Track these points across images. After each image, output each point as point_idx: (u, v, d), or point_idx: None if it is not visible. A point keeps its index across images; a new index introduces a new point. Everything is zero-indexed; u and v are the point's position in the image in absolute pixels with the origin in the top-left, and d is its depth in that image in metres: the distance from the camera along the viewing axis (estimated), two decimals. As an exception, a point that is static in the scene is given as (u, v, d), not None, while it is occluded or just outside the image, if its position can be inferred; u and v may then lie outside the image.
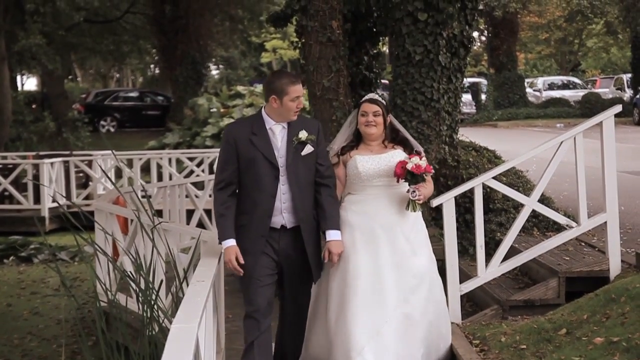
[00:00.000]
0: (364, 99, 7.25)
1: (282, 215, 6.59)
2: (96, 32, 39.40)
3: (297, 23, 12.45)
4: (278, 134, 6.60)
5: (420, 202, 6.91)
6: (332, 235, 6.76)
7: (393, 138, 7.21)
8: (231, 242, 6.51)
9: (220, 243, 6.59)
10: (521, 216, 9.15)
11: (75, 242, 8.03)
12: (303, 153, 6.58)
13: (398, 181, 6.88)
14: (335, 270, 6.90)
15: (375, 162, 7.01)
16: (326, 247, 6.76)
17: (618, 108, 9.09)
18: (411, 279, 6.89)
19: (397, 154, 7.04)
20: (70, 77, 55.23)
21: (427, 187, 7.00)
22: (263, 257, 6.62)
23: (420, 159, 6.84)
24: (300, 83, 6.60)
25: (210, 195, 16.12)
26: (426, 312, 6.97)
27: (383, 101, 7.09)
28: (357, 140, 7.21)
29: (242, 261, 6.48)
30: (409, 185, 6.84)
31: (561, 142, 8.97)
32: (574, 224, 9.22)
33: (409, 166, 6.77)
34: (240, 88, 29.77)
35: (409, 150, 7.14)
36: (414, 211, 6.91)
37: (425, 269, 7.01)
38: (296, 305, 6.97)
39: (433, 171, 7.03)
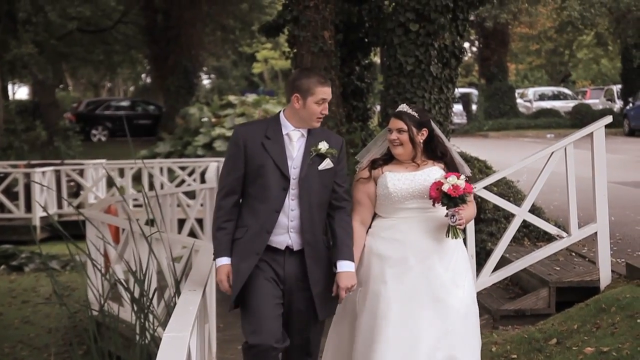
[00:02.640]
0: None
1: (289, 234, 5.69)
2: (88, 42, 39.42)
3: (289, 33, 12.49)
4: (295, 141, 5.74)
5: (462, 227, 5.85)
6: (343, 266, 5.77)
7: (437, 156, 6.11)
8: (225, 261, 5.71)
9: (214, 259, 5.84)
10: (512, 226, 9.18)
11: (66, 251, 8.03)
12: (320, 167, 5.70)
13: (434, 204, 5.84)
14: (364, 307, 5.90)
15: (408, 180, 5.96)
16: (335, 279, 5.79)
17: (608, 119, 9.13)
18: (452, 313, 5.79)
19: (434, 172, 5.99)
20: (61, 86, 55.18)
21: (468, 209, 5.95)
22: (266, 283, 5.69)
23: (458, 177, 5.78)
24: (328, 86, 5.75)
25: (201, 205, 16.19)
26: (465, 350, 5.86)
27: (414, 113, 6.03)
28: (391, 154, 6.14)
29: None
30: (447, 209, 5.78)
31: (552, 153, 9.01)
32: (564, 234, 9.25)
33: (445, 188, 5.72)
34: (231, 98, 29.78)
35: (452, 170, 6.02)
36: (455, 238, 5.84)
37: (467, 302, 5.90)
38: (303, 342, 5.91)
39: (474, 190, 5.99)
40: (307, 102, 5.66)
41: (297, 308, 5.78)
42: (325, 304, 5.81)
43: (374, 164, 6.11)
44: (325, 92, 5.68)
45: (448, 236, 5.83)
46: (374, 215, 6.14)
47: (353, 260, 5.81)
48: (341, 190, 5.83)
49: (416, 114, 6.02)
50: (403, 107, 6.11)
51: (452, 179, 5.74)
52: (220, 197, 5.76)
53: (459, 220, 5.75)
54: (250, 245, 5.67)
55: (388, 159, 6.11)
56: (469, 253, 8.88)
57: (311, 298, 5.73)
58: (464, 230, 8.24)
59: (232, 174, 5.70)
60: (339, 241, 5.81)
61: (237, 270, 5.68)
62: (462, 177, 5.80)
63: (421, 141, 6.01)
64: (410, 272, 5.82)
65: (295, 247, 5.71)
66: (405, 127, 5.96)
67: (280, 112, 5.84)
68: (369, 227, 6.12)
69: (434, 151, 6.07)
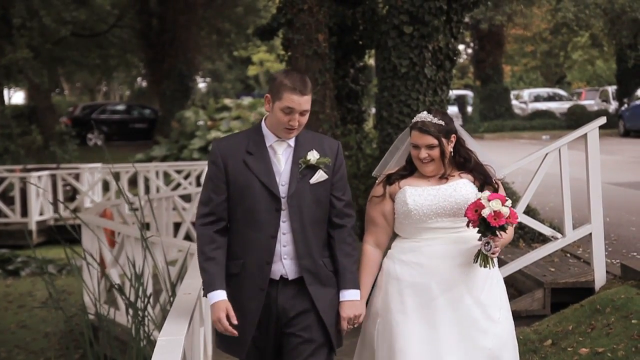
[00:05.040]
0: (413, 122, 5.21)
1: (282, 262, 4.90)
2: (83, 46, 39.40)
3: (284, 36, 12.52)
4: (281, 154, 4.92)
5: (495, 256, 4.98)
6: (345, 295, 4.99)
7: (462, 164, 5.25)
8: (221, 296, 4.85)
9: (205, 295, 4.95)
10: (507, 228, 9.17)
11: (62, 255, 8.04)
12: (312, 181, 4.89)
13: (468, 226, 4.95)
14: (383, 339, 5.14)
15: (431, 196, 5.10)
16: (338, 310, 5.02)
17: (602, 120, 9.14)
18: (484, 354, 5.01)
19: (462, 185, 5.13)
20: (57, 90, 55.15)
21: (507, 236, 5.08)
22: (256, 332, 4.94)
23: (504, 202, 4.86)
24: (301, 95, 4.80)
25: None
26: None
27: (440, 122, 5.09)
28: (411, 165, 5.26)
29: (234, 321, 4.83)
30: (482, 235, 4.94)
31: (546, 154, 9.01)
32: (559, 235, 9.26)
33: (486, 213, 4.82)
34: (227, 101, 29.83)
35: (481, 179, 5.20)
36: (485, 267, 4.97)
37: (502, 339, 5.10)
38: None
39: (518, 220, 4.99)
40: (274, 107, 4.83)
41: (297, 340, 4.96)
42: (338, 334, 5.04)
43: (389, 179, 5.26)
44: (293, 100, 4.78)
45: (476, 262, 4.98)
46: (395, 236, 5.33)
47: (358, 288, 5.04)
48: (341, 204, 5.00)
49: (442, 122, 5.11)
50: (425, 117, 5.15)
51: (496, 203, 4.84)
52: (202, 223, 4.96)
53: (494, 249, 4.92)
54: (252, 282, 4.89)
55: (407, 171, 5.27)
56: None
57: (313, 328, 4.94)
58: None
59: (215, 197, 4.91)
60: (340, 267, 4.99)
61: (246, 310, 4.89)
62: (508, 202, 4.89)
63: (451, 150, 5.19)
64: (433, 303, 5.02)
65: (291, 276, 4.92)
66: (436, 142, 5.08)
67: (261, 120, 5.01)
68: (388, 248, 5.32)
69: (458, 157, 5.23)
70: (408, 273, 5.09)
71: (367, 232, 5.29)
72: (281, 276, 4.90)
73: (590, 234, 9.08)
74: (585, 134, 9.00)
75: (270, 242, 4.85)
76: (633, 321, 7.57)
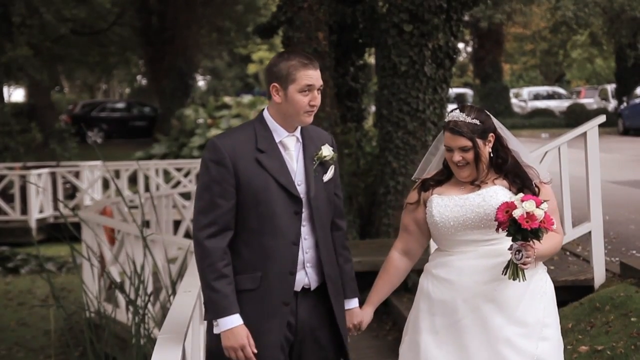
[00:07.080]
0: (445, 122, 4.67)
1: (305, 270, 4.39)
2: (83, 44, 39.39)
3: (284, 34, 12.52)
4: (293, 149, 4.41)
5: (527, 267, 4.36)
6: (351, 304, 4.65)
7: (499, 166, 4.66)
8: (238, 320, 4.22)
9: (214, 320, 4.30)
10: (506, 226, 9.17)
11: (62, 253, 8.05)
12: (326, 178, 4.43)
13: (498, 230, 4.39)
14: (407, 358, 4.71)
15: (457, 206, 4.57)
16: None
17: (602, 118, 9.13)
18: None
19: (492, 193, 4.57)
20: (57, 88, 55.13)
21: (547, 243, 4.45)
22: (277, 346, 4.35)
23: (539, 204, 4.29)
24: (315, 69, 4.37)
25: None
26: None
27: (475, 121, 4.54)
28: (448, 169, 4.73)
29: (254, 349, 4.24)
30: (513, 240, 4.33)
31: (545, 153, 9.00)
32: (558, 233, 9.25)
33: (517, 214, 4.26)
34: (227, 99, 29.83)
35: (517, 184, 4.61)
36: (514, 279, 4.36)
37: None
38: None
39: (555, 226, 4.44)
40: (289, 92, 4.32)
41: (315, 355, 4.50)
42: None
43: (424, 185, 4.76)
44: (309, 76, 4.32)
45: (505, 274, 4.40)
46: (435, 249, 4.86)
47: (357, 295, 4.67)
48: (341, 203, 4.60)
49: (477, 121, 4.56)
50: (458, 115, 4.60)
51: (530, 204, 4.28)
52: (208, 235, 4.25)
53: (526, 259, 4.31)
54: (274, 296, 4.30)
55: (444, 177, 4.76)
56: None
57: (331, 340, 4.51)
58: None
59: (223, 204, 4.25)
60: (344, 275, 4.57)
61: (264, 330, 4.30)
62: (544, 205, 4.31)
63: (489, 151, 4.63)
64: (459, 324, 4.52)
65: (313, 286, 4.42)
66: (470, 144, 4.54)
67: (262, 112, 4.47)
68: (425, 260, 4.87)
69: (496, 159, 4.66)
70: (438, 290, 4.60)
71: (397, 238, 4.87)
72: (302, 287, 4.40)
73: (590, 232, 9.07)
74: (585, 133, 8.99)
75: (293, 250, 4.32)
76: (632, 319, 7.57)
